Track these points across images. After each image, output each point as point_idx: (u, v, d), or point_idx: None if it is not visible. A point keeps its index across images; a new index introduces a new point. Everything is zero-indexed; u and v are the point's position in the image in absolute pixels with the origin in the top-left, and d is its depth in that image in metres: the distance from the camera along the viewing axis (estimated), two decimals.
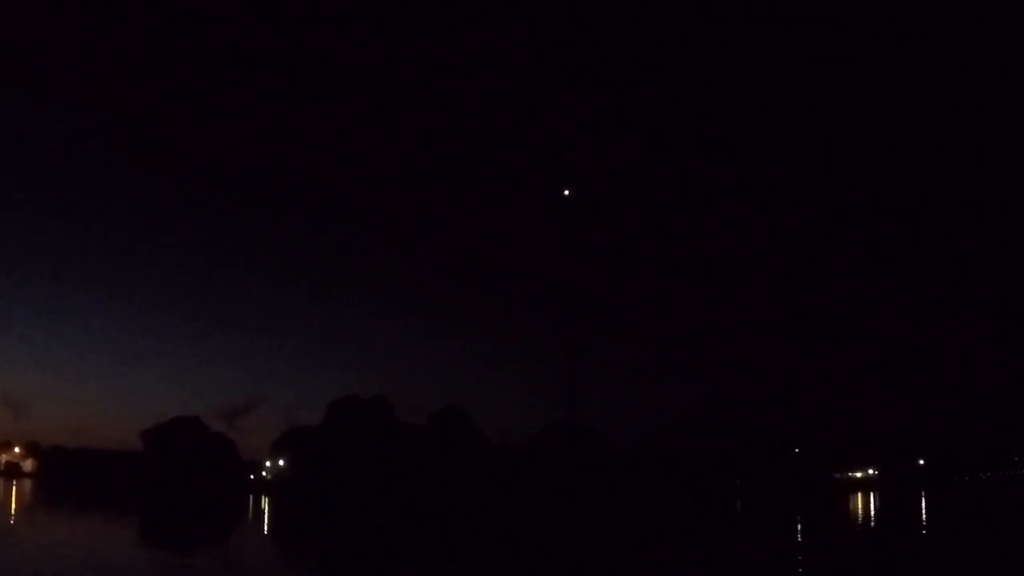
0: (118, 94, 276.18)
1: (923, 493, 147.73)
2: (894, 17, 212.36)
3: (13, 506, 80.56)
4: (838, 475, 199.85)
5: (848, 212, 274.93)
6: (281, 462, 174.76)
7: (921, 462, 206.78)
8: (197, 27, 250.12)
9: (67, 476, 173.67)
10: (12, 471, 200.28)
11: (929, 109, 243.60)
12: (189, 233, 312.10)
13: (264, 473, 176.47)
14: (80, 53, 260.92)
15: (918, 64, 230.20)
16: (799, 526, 66.07)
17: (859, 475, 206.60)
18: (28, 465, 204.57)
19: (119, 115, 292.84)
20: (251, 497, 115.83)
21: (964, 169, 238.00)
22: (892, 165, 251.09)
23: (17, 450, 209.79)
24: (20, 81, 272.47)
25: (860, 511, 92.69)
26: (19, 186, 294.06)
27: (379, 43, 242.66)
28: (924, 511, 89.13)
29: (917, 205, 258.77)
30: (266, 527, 63.40)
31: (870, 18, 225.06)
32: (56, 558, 35.56)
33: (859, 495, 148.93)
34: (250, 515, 78.15)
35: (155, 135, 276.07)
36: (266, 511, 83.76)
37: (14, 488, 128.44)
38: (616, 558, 39.55)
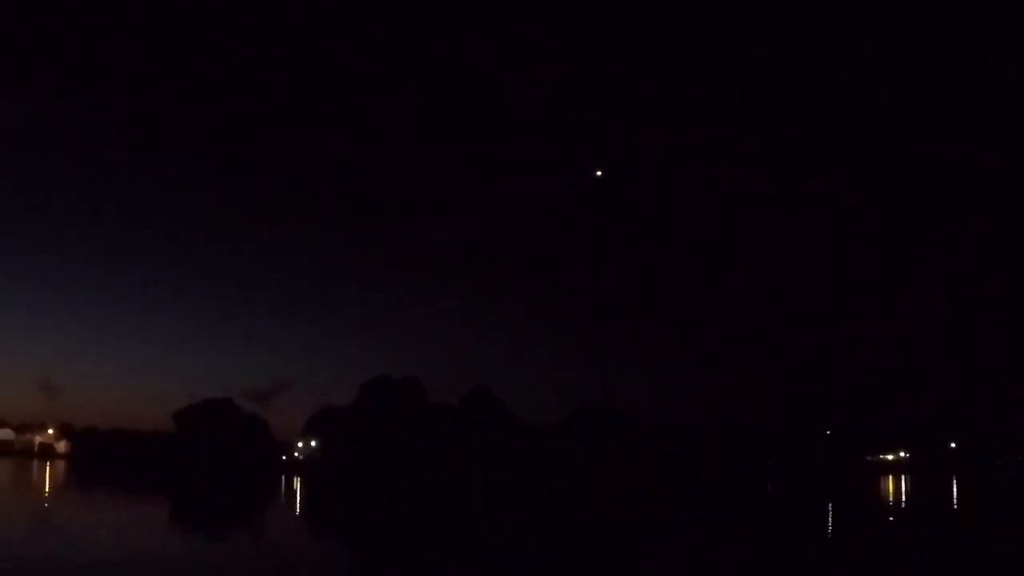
0: (143, 78, 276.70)
1: (954, 476, 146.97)
2: None
3: (47, 487, 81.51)
4: (870, 457, 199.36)
5: (883, 203, 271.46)
6: (313, 443, 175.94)
7: (953, 445, 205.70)
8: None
9: (100, 457, 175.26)
10: (46, 452, 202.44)
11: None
12: (220, 217, 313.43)
13: (296, 454, 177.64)
14: (120, 41, 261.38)
15: None
16: (830, 507, 65.79)
17: (890, 457, 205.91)
18: (61, 446, 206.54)
19: (150, 99, 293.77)
20: (283, 478, 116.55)
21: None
22: (934, 162, 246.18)
23: (51, 431, 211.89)
24: (35, 73, 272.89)
25: (891, 493, 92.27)
26: (52, 168, 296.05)
27: (408, 20, 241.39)
28: (955, 493, 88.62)
29: (950, 202, 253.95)
30: (298, 507, 63.81)
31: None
32: (89, 540, 35.91)
33: (890, 477, 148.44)
34: (282, 495, 78.69)
35: (187, 119, 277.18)
36: (298, 491, 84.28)
37: (48, 469, 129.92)
38: (646, 540, 39.47)
